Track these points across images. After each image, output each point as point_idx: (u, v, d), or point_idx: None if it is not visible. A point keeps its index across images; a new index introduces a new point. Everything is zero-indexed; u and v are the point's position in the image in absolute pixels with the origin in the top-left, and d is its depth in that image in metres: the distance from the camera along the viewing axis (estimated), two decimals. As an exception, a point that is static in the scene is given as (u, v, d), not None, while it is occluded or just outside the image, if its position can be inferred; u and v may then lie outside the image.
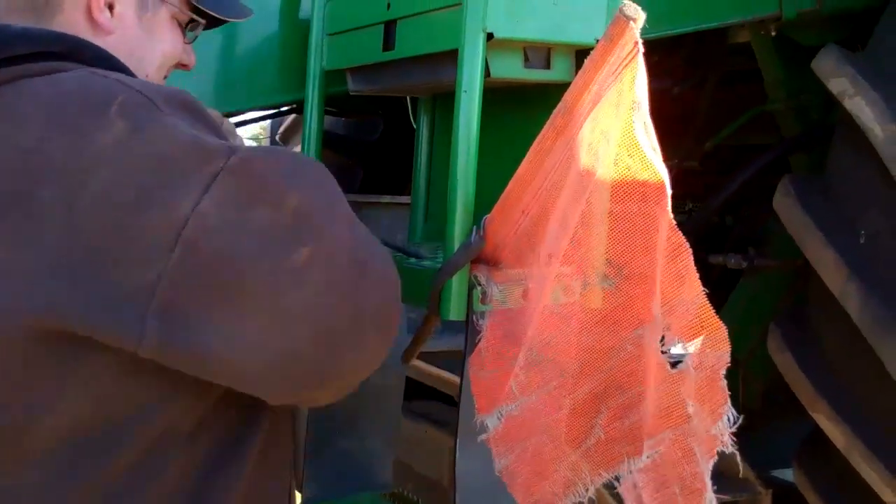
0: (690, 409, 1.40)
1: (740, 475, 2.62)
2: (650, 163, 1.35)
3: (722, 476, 2.58)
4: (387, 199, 2.25)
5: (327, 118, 4.11)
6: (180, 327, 1.16)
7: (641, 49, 1.32)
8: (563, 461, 1.53)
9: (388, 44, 1.87)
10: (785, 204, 2.51)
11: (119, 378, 1.20)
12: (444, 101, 2.05)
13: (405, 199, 2.18)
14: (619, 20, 1.32)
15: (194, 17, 1.62)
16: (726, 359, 1.34)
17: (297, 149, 2.04)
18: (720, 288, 3.46)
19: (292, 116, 4.30)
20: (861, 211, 2.34)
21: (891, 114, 2.26)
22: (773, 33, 2.73)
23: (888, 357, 2.19)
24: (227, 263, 1.17)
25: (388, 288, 1.33)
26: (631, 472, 1.47)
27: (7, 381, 1.19)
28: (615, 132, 1.38)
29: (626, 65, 1.34)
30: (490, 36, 1.61)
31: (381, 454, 2.32)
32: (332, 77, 2.12)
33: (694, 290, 1.33)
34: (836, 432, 2.36)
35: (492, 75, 1.65)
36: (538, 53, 1.71)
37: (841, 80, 2.38)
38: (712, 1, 2.55)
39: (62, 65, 1.29)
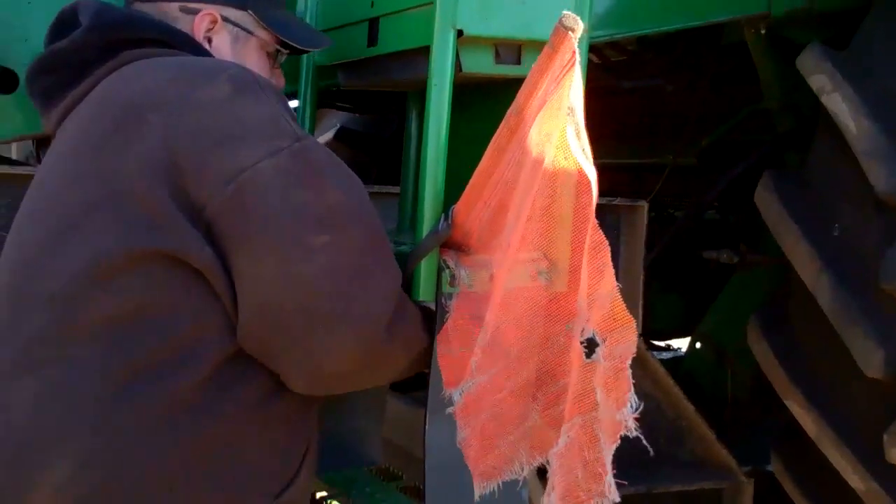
0: (599, 397, 1.50)
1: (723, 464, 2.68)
2: (579, 165, 1.47)
3: (705, 464, 2.66)
4: (376, 188, 2.34)
5: (345, 114, 4.19)
6: (217, 242, 1.49)
7: (577, 58, 1.42)
8: (504, 439, 1.63)
9: (373, 40, 1.97)
10: (764, 198, 2.57)
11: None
12: (428, 95, 2.14)
13: (395, 188, 2.28)
14: (558, 30, 1.41)
15: (279, 48, 1.88)
16: (633, 350, 1.46)
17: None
18: (717, 282, 3.54)
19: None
20: (836, 204, 2.41)
21: (865, 109, 2.32)
22: (763, 31, 2.80)
23: (855, 346, 2.26)
24: (261, 216, 1.48)
25: (376, 302, 1.56)
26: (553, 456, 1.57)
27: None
28: (555, 135, 1.48)
29: (566, 72, 1.44)
30: (460, 33, 1.70)
31: (368, 431, 2.43)
32: (323, 71, 2.23)
33: (609, 284, 1.45)
34: (807, 420, 2.43)
35: (464, 70, 1.74)
36: (509, 50, 1.80)
37: (820, 77, 2.44)
38: (701, -1, 2.63)
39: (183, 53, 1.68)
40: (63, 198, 1.55)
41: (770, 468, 2.88)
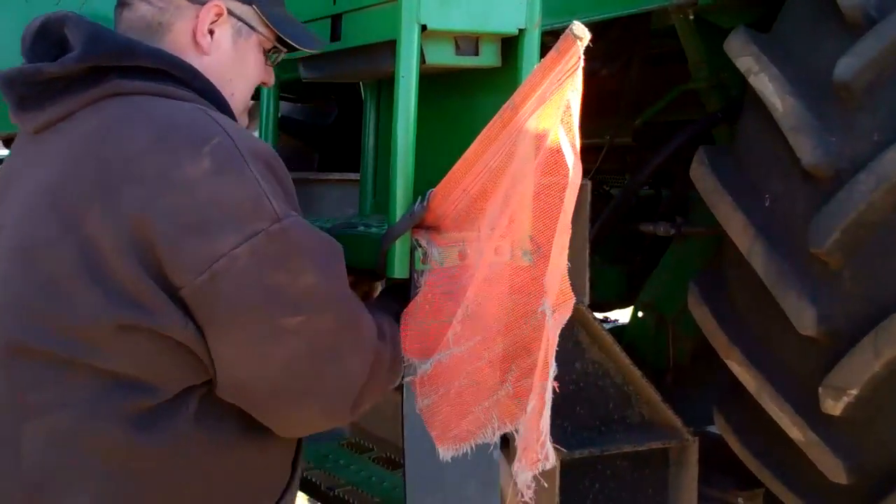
0: (552, 369, 1.68)
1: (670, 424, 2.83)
2: (564, 159, 1.62)
3: (653, 425, 2.81)
4: (336, 175, 2.44)
5: (285, 104, 4.26)
6: (195, 320, 1.50)
7: (582, 63, 1.56)
8: (479, 405, 1.77)
9: (335, 35, 2.07)
10: (699, 172, 2.74)
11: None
12: (388, 86, 2.24)
13: (354, 175, 2.38)
14: (568, 37, 1.55)
15: (278, 45, 1.88)
16: (563, 321, 1.66)
17: (255, 133, 2.22)
18: (653, 254, 3.71)
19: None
20: (766, 177, 2.58)
21: (790, 88, 2.50)
22: (691, 16, 2.96)
23: (789, 306, 2.44)
24: (233, 301, 1.49)
25: (346, 382, 1.63)
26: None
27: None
28: (552, 131, 1.63)
29: (570, 75, 1.59)
30: (424, 27, 1.81)
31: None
32: (284, 65, 2.32)
33: (563, 264, 1.65)
34: (747, 377, 2.61)
35: (427, 62, 1.85)
36: (468, 42, 1.92)
37: (747, 59, 2.61)
38: (636, -12, 2.78)
39: (174, 90, 1.62)
40: (42, 255, 1.53)
41: (710, 429, 3.05)
